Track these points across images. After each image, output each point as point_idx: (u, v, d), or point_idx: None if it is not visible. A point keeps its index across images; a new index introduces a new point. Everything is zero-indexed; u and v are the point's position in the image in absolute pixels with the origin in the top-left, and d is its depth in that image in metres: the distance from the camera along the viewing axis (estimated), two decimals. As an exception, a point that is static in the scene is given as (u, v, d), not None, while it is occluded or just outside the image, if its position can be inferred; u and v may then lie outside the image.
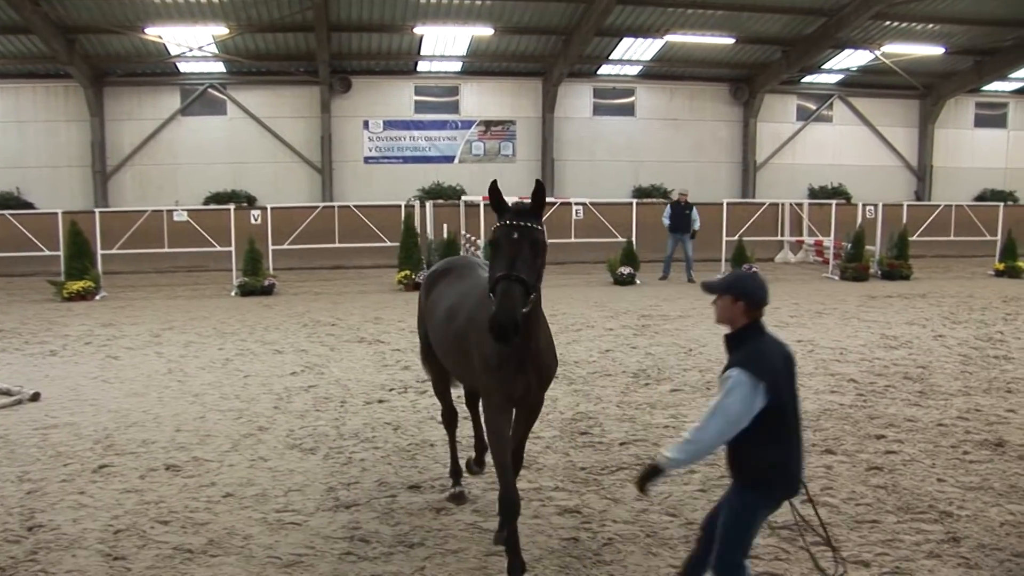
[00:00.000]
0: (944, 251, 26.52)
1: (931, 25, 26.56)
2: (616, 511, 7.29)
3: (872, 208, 25.07)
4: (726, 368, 4.89)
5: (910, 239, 24.00)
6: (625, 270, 22.00)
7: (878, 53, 27.59)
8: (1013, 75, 30.80)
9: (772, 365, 4.88)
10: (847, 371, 12.57)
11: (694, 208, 22.71)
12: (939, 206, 26.58)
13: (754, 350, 4.95)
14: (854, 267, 23.00)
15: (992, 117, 33.17)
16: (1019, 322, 16.55)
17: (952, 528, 7.10)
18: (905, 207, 25.65)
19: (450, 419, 7.63)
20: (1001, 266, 24.40)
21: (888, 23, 26.20)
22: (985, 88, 32.02)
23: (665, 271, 23.06)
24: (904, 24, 26.41)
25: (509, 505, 5.87)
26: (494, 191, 5.72)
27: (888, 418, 10.12)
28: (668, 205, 23.16)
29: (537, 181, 5.76)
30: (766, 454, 4.92)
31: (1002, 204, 27.57)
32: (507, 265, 5.34)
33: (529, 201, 5.66)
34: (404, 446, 8.98)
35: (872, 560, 6.50)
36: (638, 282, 21.99)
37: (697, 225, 22.75)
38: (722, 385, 4.85)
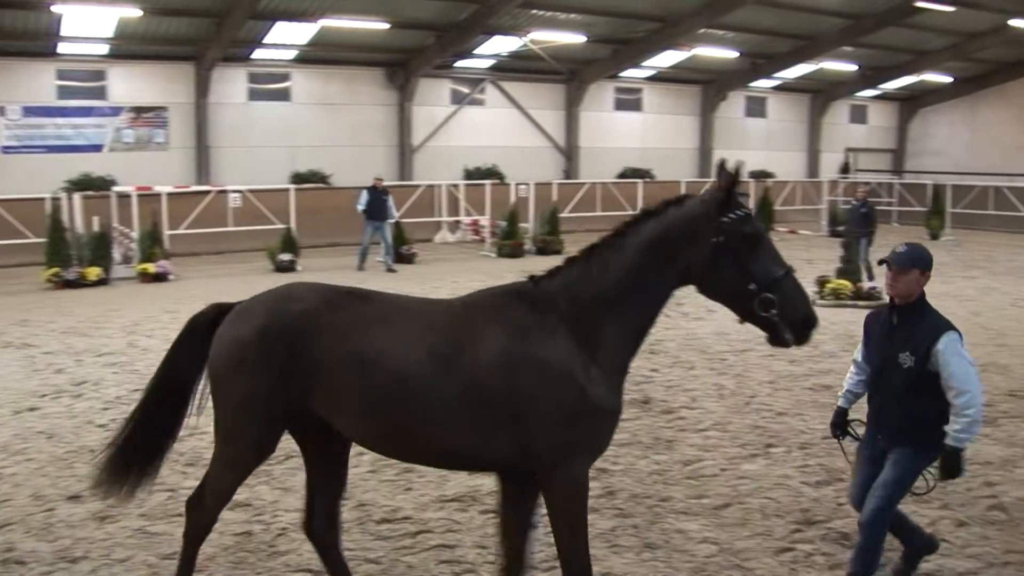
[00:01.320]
0: (592, 226, 28.09)
1: (573, 15, 28.10)
2: (288, 500, 7.37)
3: (524, 187, 26.26)
4: (935, 336, 5.33)
5: (560, 215, 25.43)
6: (285, 257, 21.67)
7: (526, 40, 28.83)
8: (646, 63, 33.15)
9: None
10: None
11: (390, 195, 22.35)
12: (585, 184, 28.31)
13: (939, 314, 5.52)
14: (509, 244, 24.02)
15: (629, 101, 35.59)
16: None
17: (608, 483, 7.80)
18: (555, 185, 27.09)
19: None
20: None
21: (535, 12, 27.45)
22: (622, 74, 34.25)
23: (361, 262, 21.79)
24: (549, 13, 27.77)
25: None
26: (730, 175, 4.77)
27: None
28: (363, 191, 22.18)
29: (721, 162, 4.91)
30: (943, 413, 5.37)
31: (641, 181, 29.77)
32: (781, 260, 4.83)
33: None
34: (60, 455, 8.53)
35: (537, 522, 7.02)
36: (299, 268, 21.51)
37: (394, 212, 22.55)
38: (946, 351, 5.28)
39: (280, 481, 7.81)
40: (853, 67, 36.81)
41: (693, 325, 14.67)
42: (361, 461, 8.21)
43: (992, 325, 15.35)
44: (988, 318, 15.83)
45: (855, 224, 18.84)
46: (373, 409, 4.86)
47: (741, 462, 8.45)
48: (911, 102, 43.76)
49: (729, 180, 4.74)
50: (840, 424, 5.94)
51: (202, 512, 5.27)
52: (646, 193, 28.18)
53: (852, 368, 6.01)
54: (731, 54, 32.51)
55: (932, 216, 29.99)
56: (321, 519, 5.47)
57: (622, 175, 33.53)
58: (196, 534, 5.31)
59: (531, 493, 5.19)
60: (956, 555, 6.60)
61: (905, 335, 5.46)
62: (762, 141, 39.68)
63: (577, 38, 28.81)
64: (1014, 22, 31.66)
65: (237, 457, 5.21)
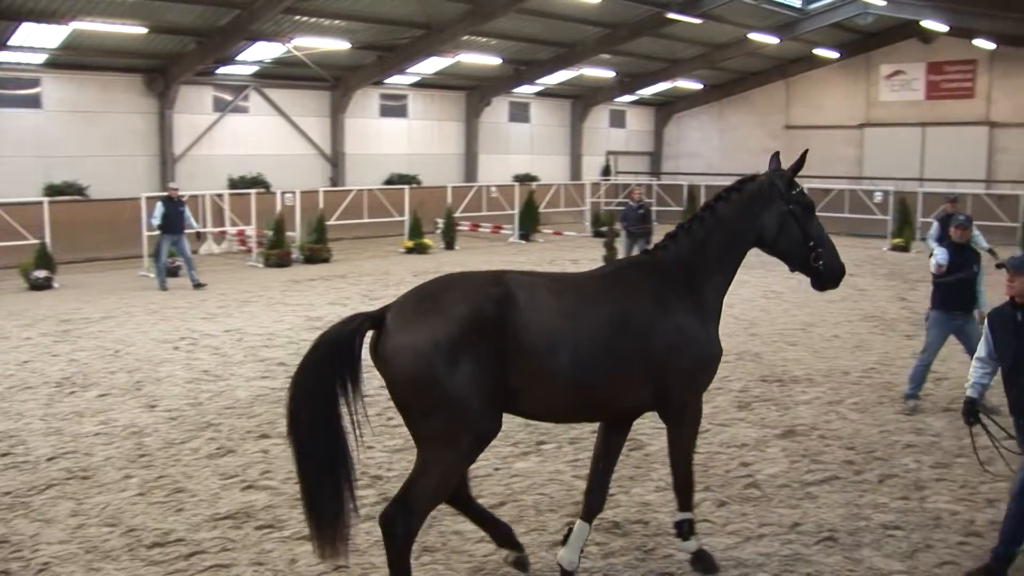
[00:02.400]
0: (360, 232, 28.15)
1: (338, 21, 27.94)
2: (50, 532, 7.08)
3: (290, 195, 25.95)
4: None
5: (328, 223, 25.29)
6: (40, 274, 20.19)
7: (290, 46, 28.49)
8: (410, 70, 33.34)
9: None
10: (276, 355, 13.14)
11: (186, 206, 21.06)
12: (352, 191, 28.24)
13: None
14: (276, 253, 23.70)
15: (395, 107, 35.68)
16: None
17: (383, 489, 7.89)
18: (321, 193, 26.86)
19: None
20: (410, 243, 26.48)
21: (298, 18, 27.13)
22: (388, 81, 34.31)
23: (162, 280, 20.21)
24: (313, 19, 27.52)
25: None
26: (800, 161, 6.45)
27: (319, 397, 10.78)
28: (158, 203, 20.49)
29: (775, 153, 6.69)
30: None
31: (407, 187, 29.93)
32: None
33: None
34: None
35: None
36: (56, 285, 20.25)
37: (193, 223, 21.38)
38: None
39: (40, 512, 7.47)
40: (611, 74, 38.26)
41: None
42: (128, 485, 8.01)
43: (745, 316, 16.39)
44: (741, 309, 16.87)
45: (632, 224, 19.92)
46: (568, 375, 5.60)
47: (514, 460, 8.71)
48: (666, 107, 45.93)
49: (798, 164, 6.37)
50: (972, 412, 6.67)
51: (411, 519, 5.50)
52: (413, 199, 28.39)
53: (976, 363, 6.80)
54: (494, 61, 33.12)
55: (688, 215, 31.51)
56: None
57: (389, 181, 33.57)
58: (407, 542, 5.53)
59: (619, 445, 6.44)
60: (718, 533, 7.07)
61: None
62: (526, 145, 40.62)
63: (341, 44, 28.67)
64: (753, 35, 34.24)
65: (461, 455, 5.58)
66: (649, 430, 9.47)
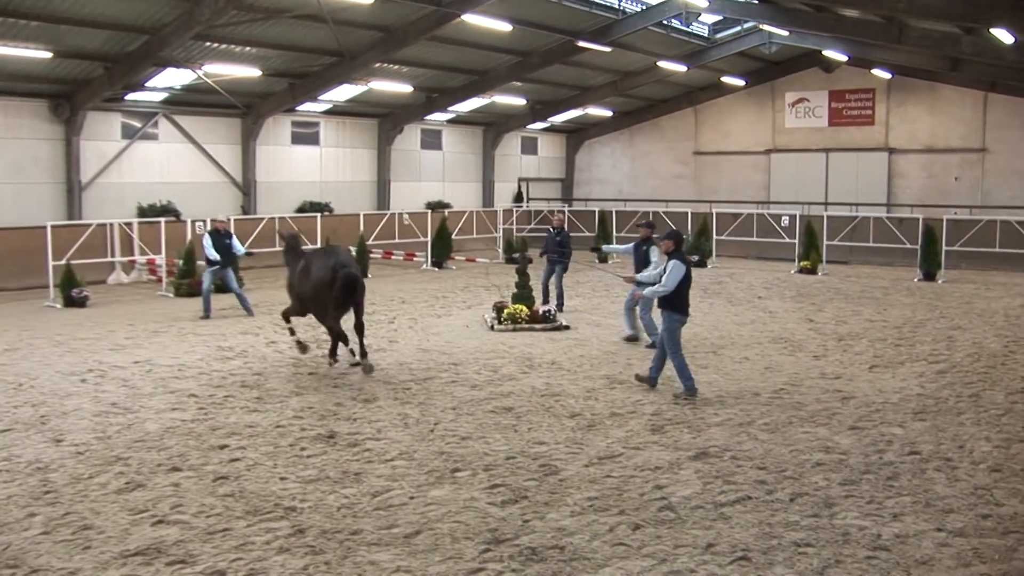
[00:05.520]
0: (271, 261, 27.74)
1: (249, 48, 27.73)
2: None
3: (201, 224, 25.60)
4: None
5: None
6: None
7: (200, 73, 28.20)
8: (322, 97, 33.22)
9: None
10: (187, 386, 12.94)
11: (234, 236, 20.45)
12: (264, 219, 27.98)
13: None
14: (187, 283, 23.35)
15: (307, 135, 35.49)
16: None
17: (297, 521, 7.80)
18: (232, 221, 26.56)
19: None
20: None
21: (209, 44, 26.86)
22: (300, 108, 34.13)
23: (206, 309, 19.66)
24: (224, 46, 27.26)
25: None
26: None
27: (230, 427, 10.67)
28: (206, 236, 19.99)
29: None
30: None
31: (319, 214, 29.79)
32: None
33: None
34: None
35: (228, 567, 6.91)
36: None
37: (242, 248, 20.72)
38: None
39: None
40: (523, 101, 38.56)
41: (376, 356, 14.83)
42: (32, 523, 7.80)
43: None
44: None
45: (550, 250, 19.92)
46: None
47: (429, 488, 8.69)
48: (577, 134, 46.44)
49: None
50: None
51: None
52: (325, 226, 28.24)
53: None
54: (406, 88, 33.16)
55: (599, 239, 31.83)
56: None
57: (301, 209, 33.36)
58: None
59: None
60: (633, 556, 7.13)
61: None
62: (438, 172, 40.68)
63: (252, 72, 28.46)
64: (662, 63, 34.90)
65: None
66: (564, 455, 9.55)
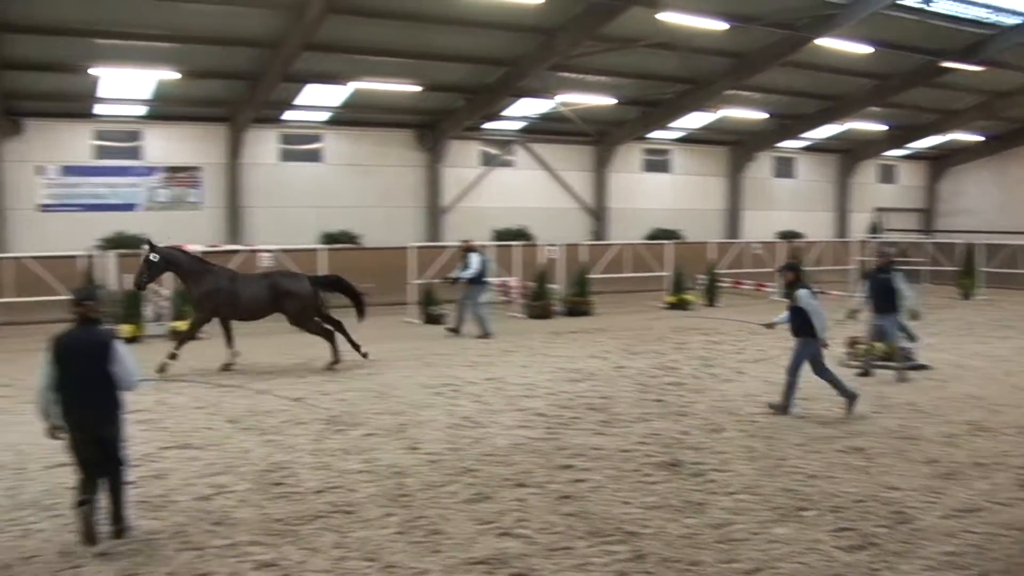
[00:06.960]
0: (621, 287, 28.05)
1: (603, 77, 28.32)
2: (315, 561, 7.32)
3: (554, 248, 26.21)
4: None
5: (590, 276, 25.36)
6: None
7: (556, 102, 29.05)
8: (674, 125, 33.31)
9: None
10: (535, 405, 13.14)
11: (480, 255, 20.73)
12: (615, 245, 28.28)
13: None
14: (539, 306, 23.93)
15: (658, 162, 35.74)
16: (689, 350, 17.82)
17: (637, 546, 7.66)
18: (584, 246, 27.02)
19: None
20: (673, 299, 26.15)
21: (564, 74, 27.68)
22: (651, 136, 34.41)
23: (487, 328, 20.23)
24: (579, 76, 27.99)
25: None
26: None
27: (575, 448, 10.69)
28: (472, 256, 20.35)
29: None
30: None
31: (670, 242, 29.72)
32: None
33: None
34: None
35: (568, 583, 6.91)
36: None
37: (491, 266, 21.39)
38: None
39: (307, 541, 7.72)
40: (882, 127, 36.85)
41: (724, 387, 14.51)
42: (389, 522, 8.16)
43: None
44: (1023, 378, 15.59)
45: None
46: None
47: (772, 525, 8.28)
48: (941, 161, 43.75)
49: None
50: None
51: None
52: (675, 254, 28.10)
53: None
54: (759, 115, 32.63)
55: (964, 275, 29.72)
56: None
57: (651, 236, 33.49)
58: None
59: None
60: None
61: None
62: (790, 201, 39.70)
63: (607, 100, 28.98)
64: (1042, 82, 31.92)
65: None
66: (918, 503, 8.87)
